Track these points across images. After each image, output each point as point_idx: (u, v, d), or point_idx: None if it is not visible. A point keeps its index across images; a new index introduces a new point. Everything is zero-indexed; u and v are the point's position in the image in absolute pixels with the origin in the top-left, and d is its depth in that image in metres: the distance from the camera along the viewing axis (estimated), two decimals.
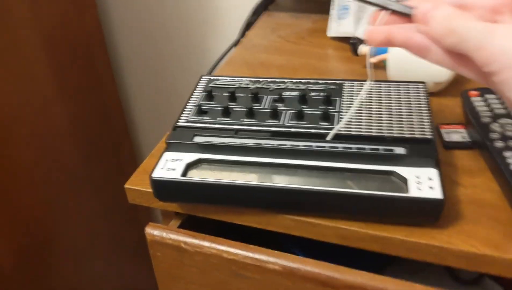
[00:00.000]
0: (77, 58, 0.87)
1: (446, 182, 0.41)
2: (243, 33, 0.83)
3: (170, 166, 0.43)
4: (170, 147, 0.45)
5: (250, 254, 0.44)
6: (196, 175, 0.42)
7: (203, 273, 0.47)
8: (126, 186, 0.46)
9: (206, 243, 0.45)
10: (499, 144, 0.44)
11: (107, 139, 0.99)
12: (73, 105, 0.87)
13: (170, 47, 0.99)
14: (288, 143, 0.43)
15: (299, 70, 0.61)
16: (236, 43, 0.82)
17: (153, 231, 0.47)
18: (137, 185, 0.46)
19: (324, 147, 0.42)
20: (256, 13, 0.84)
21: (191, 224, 0.51)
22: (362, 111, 0.46)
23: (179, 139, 0.44)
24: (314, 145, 0.42)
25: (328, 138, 0.43)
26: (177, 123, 0.46)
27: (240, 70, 0.62)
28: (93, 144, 0.94)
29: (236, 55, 0.67)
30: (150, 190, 0.46)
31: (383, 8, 0.38)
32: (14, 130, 0.75)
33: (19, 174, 0.77)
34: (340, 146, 0.42)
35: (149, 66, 1.03)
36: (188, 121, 0.47)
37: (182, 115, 0.48)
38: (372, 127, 0.44)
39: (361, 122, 0.44)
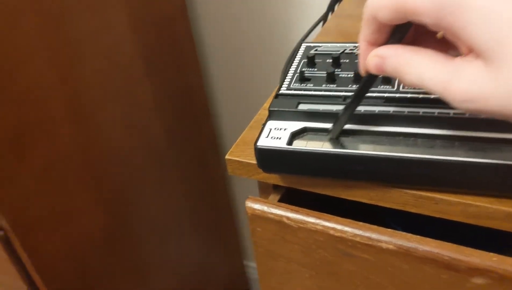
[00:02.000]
0: (162, 37, 0.87)
1: None
2: (332, 7, 0.79)
3: (275, 134, 0.40)
4: (273, 115, 0.42)
5: (360, 232, 0.40)
6: (301, 145, 0.39)
7: (306, 251, 0.44)
8: (227, 157, 0.44)
9: (311, 219, 0.42)
10: None
11: (189, 118, 0.98)
12: (158, 84, 0.87)
13: (252, 25, 0.97)
14: (406, 110, 0.38)
15: None
16: (325, 17, 0.78)
17: (254, 205, 0.44)
18: (238, 156, 0.44)
19: (448, 113, 0.37)
20: None
21: (289, 199, 0.48)
22: None
23: (283, 107, 0.42)
24: (436, 111, 0.38)
25: None
26: (279, 91, 0.43)
27: (336, 40, 0.58)
28: (176, 124, 0.94)
29: (330, 25, 0.63)
30: (251, 161, 0.43)
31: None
32: (104, 109, 0.76)
33: (108, 153, 0.78)
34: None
35: (231, 44, 1.01)
36: (290, 89, 0.44)
37: (283, 82, 0.45)
38: None
39: None
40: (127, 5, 0.77)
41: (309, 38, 0.84)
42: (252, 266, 1.38)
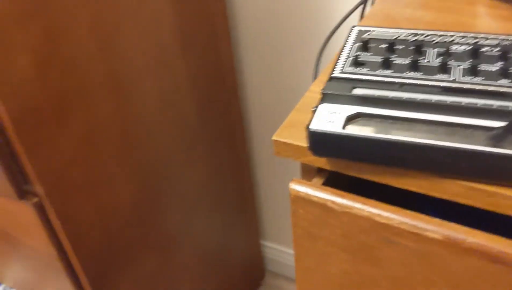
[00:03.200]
0: (198, 15, 0.86)
1: None
2: None
3: (328, 118, 0.40)
4: (326, 98, 0.41)
5: (406, 220, 0.40)
6: (355, 130, 0.39)
7: (348, 236, 0.44)
8: (274, 138, 0.44)
9: (357, 205, 0.42)
10: None
11: (219, 98, 0.98)
12: (191, 61, 0.86)
13: (287, 5, 0.96)
14: (464, 101, 0.38)
15: (451, 27, 0.55)
16: (365, 0, 0.77)
17: (298, 187, 0.44)
18: (285, 137, 0.44)
19: (507, 107, 0.37)
20: None
21: (332, 183, 0.48)
22: None
23: (337, 91, 0.41)
24: (495, 104, 0.37)
25: None
26: (333, 74, 0.43)
27: (381, 25, 0.58)
28: (206, 102, 0.94)
29: (376, 10, 0.62)
30: (299, 143, 0.43)
31: None
32: (140, 82, 0.76)
33: (142, 126, 0.78)
34: None
35: (264, 25, 1.00)
36: (344, 72, 0.43)
37: (336, 66, 0.44)
38: None
39: None
40: None
41: (349, 22, 0.83)
42: (268, 245, 1.40)
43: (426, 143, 0.37)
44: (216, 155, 1.02)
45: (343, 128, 0.39)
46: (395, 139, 0.37)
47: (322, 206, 0.44)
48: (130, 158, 0.77)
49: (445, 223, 0.39)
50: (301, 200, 0.45)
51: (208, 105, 0.95)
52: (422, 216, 0.40)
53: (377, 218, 0.41)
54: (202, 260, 1.06)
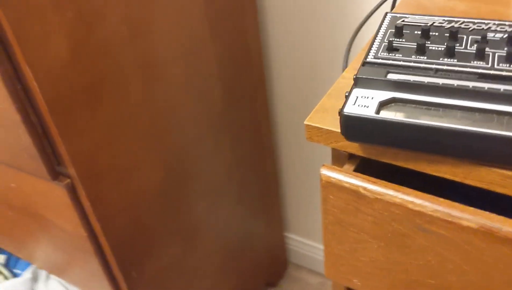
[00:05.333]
0: (228, 4, 0.86)
1: None
2: None
3: (362, 102, 0.40)
4: (359, 83, 0.41)
5: (440, 208, 0.40)
6: (389, 115, 0.39)
7: (380, 223, 0.44)
8: (306, 122, 0.44)
9: (390, 191, 0.42)
10: None
11: (246, 86, 0.98)
12: (219, 48, 0.87)
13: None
14: (502, 88, 0.37)
15: (486, 16, 0.54)
16: None
17: (329, 173, 0.44)
18: (317, 122, 0.44)
19: None
20: None
21: (362, 171, 0.48)
22: None
23: (371, 75, 0.41)
24: None
25: None
26: (366, 59, 0.43)
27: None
28: (233, 90, 0.94)
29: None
30: (331, 128, 0.43)
31: None
32: (170, 69, 0.76)
33: (170, 113, 0.79)
34: None
35: (293, 14, 1.00)
36: (377, 58, 0.43)
37: (370, 51, 0.44)
38: None
39: None
40: None
41: (381, 11, 0.82)
42: (291, 237, 1.40)
43: (462, 129, 0.36)
44: (241, 144, 1.02)
45: (377, 112, 0.39)
46: (431, 124, 0.37)
47: (354, 193, 0.44)
48: (157, 144, 0.78)
49: (480, 211, 0.39)
50: (332, 186, 0.45)
51: (235, 93, 0.95)
52: (457, 204, 0.40)
53: (410, 205, 0.41)
54: (225, 249, 1.07)
